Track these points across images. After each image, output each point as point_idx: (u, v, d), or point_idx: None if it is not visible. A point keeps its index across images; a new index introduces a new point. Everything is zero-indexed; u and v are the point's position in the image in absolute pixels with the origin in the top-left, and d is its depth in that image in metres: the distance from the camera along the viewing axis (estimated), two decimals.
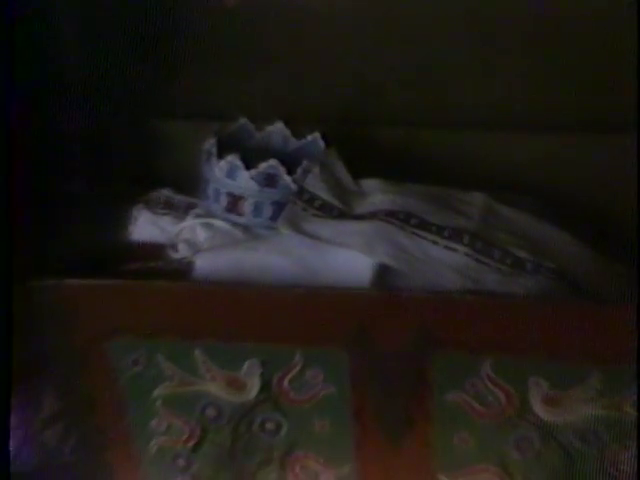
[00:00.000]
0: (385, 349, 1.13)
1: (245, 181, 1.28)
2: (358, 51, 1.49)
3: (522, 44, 1.49)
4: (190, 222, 1.33)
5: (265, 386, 1.17)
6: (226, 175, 1.29)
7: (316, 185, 1.29)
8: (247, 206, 1.30)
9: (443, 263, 1.17)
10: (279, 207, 1.27)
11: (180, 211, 1.36)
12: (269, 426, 1.20)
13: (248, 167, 1.28)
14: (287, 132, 1.39)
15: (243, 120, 1.39)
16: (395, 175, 1.36)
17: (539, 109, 1.46)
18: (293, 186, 1.27)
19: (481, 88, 1.49)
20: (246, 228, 1.31)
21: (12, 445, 1.36)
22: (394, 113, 1.50)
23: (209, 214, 1.33)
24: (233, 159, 1.28)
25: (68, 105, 1.38)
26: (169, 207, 1.38)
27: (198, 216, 1.34)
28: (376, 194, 1.28)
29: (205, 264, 1.23)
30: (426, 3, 1.49)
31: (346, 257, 1.18)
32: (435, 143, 1.47)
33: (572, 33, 1.46)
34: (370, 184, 1.30)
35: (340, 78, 1.49)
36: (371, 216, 1.22)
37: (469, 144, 1.47)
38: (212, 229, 1.31)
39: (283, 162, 1.29)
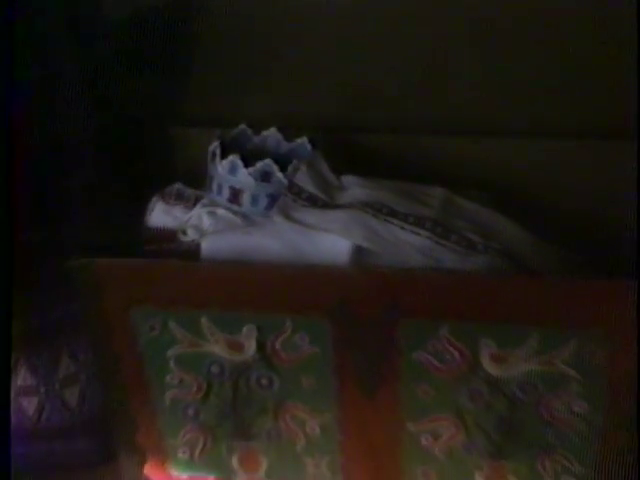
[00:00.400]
0: (361, 316, 1.21)
1: (244, 177, 1.34)
2: (354, 62, 1.48)
3: (520, 52, 1.46)
4: (197, 211, 1.36)
5: (260, 347, 1.26)
6: (228, 172, 1.35)
7: (304, 180, 1.33)
8: (246, 198, 1.35)
9: (409, 245, 1.24)
10: (273, 199, 1.33)
11: (189, 202, 1.39)
12: (264, 381, 1.29)
13: (247, 165, 1.34)
14: (280, 136, 1.43)
15: (242, 126, 1.43)
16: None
17: (537, 116, 1.45)
18: (284, 181, 1.33)
19: (477, 95, 1.48)
20: (245, 216, 1.35)
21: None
22: (389, 120, 1.50)
23: (213, 204, 1.36)
24: (234, 158, 1.34)
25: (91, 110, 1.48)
26: (180, 199, 1.40)
27: (204, 206, 1.37)
28: (354, 188, 1.34)
29: (210, 246, 1.30)
30: (424, 16, 1.47)
31: (328, 240, 1.25)
32: (431, 148, 1.48)
33: (564, 42, 1.45)
34: (349, 180, 1.35)
35: (334, 90, 1.49)
36: (349, 206, 1.28)
37: (465, 149, 1.48)
38: (216, 217, 1.35)
39: (276, 161, 1.34)
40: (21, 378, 1.49)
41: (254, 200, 1.35)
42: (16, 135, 1.33)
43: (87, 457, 1.56)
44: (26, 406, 1.51)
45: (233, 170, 1.35)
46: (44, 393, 1.51)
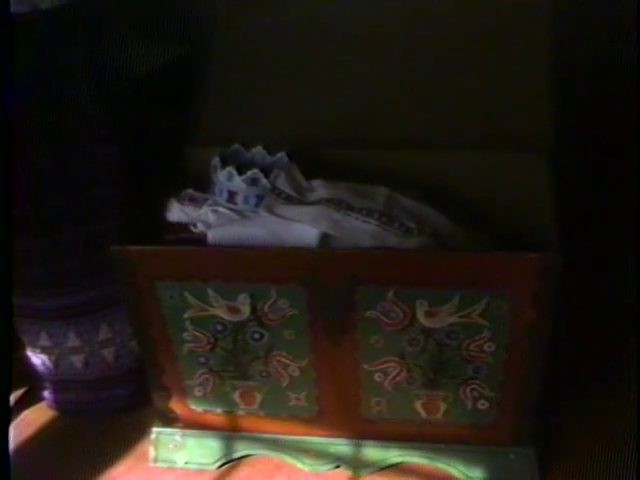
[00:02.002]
0: (327, 285, 1.36)
1: (238, 183, 1.47)
2: (319, 98, 1.60)
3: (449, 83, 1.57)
4: (204, 209, 1.49)
5: (253, 311, 1.41)
6: (226, 179, 1.48)
7: (283, 184, 1.46)
8: (240, 198, 1.48)
9: (362, 231, 1.39)
10: (260, 198, 1.46)
11: (198, 202, 1.51)
12: (256, 336, 1.44)
13: (240, 174, 1.48)
14: (264, 152, 1.54)
15: (236, 145, 1.56)
16: None
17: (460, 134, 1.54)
18: (268, 185, 1.47)
19: (414, 121, 1.56)
20: (239, 212, 1.48)
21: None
22: (345, 139, 1.57)
23: (216, 204, 1.49)
24: (231, 169, 1.48)
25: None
26: (191, 200, 1.52)
27: (209, 205, 1.49)
28: (320, 189, 1.47)
29: (214, 235, 1.44)
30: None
31: (302, 228, 1.40)
32: (378, 159, 1.55)
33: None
34: (316, 183, 1.48)
35: (303, 119, 1.58)
36: (317, 202, 1.43)
37: (402, 160, 1.55)
38: (218, 213, 1.48)
39: (262, 170, 1.48)
40: (71, 340, 1.67)
41: (246, 200, 1.48)
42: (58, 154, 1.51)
43: (123, 402, 1.74)
44: (75, 362, 1.70)
45: (230, 178, 1.49)
46: (88, 352, 1.69)
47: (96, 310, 1.67)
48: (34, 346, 1.69)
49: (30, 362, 1.73)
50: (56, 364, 1.71)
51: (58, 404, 1.77)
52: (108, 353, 1.70)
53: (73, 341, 1.68)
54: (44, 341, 1.68)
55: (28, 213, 1.53)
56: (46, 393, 1.77)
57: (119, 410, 1.74)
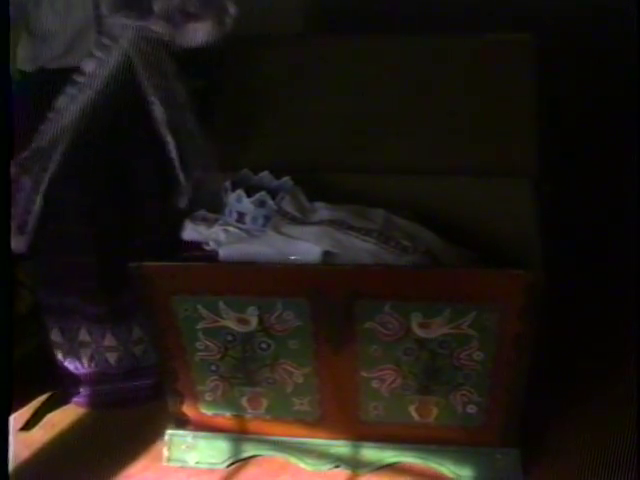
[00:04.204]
0: (329, 298, 1.36)
1: (247, 204, 1.48)
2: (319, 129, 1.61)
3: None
4: (216, 229, 1.49)
5: (260, 322, 1.41)
6: (236, 201, 1.49)
7: (288, 206, 1.48)
8: (248, 219, 1.48)
9: (362, 249, 1.40)
10: (267, 219, 1.48)
11: (210, 223, 1.51)
12: (263, 345, 1.44)
13: (249, 196, 1.48)
14: (271, 176, 1.55)
15: (245, 170, 1.56)
16: None
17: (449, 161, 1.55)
18: (275, 207, 1.48)
19: (408, 149, 1.56)
20: (248, 231, 1.49)
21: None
22: (343, 165, 1.58)
23: (227, 224, 1.50)
24: (240, 192, 1.49)
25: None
26: (204, 220, 1.52)
27: (220, 225, 1.50)
28: (322, 210, 1.48)
29: (225, 252, 1.45)
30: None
31: (306, 246, 1.41)
32: (375, 184, 1.55)
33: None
34: (318, 205, 1.49)
35: (305, 147, 1.59)
36: (320, 223, 1.44)
37: (397, 184, 1.56)
38: (228, 233, 1.48)
39: (269, 193, 1.49)
40: (107, 340, 1.69)
41: (254, 220, 1.49)
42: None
43: (147, 392, 1.74)
44: (109, 358, 1.72)
45: (239, 200, 1.49)
46: (122, 350, 1.72)
47: (130, 313, 1.69)
48: (72, 341, 1.71)
49: (59, 363, 1.74)
50: (91, 357, 1.73)
51: (88, 397, 1.76)
52: (138, 350, 1.73)
53: (109, 341, 1.71)
54: (83, 336, 1.71)
55: (83, 230, 1.59)
56: (75, 391, 1.77)
57: (144, 400, 1.74)
